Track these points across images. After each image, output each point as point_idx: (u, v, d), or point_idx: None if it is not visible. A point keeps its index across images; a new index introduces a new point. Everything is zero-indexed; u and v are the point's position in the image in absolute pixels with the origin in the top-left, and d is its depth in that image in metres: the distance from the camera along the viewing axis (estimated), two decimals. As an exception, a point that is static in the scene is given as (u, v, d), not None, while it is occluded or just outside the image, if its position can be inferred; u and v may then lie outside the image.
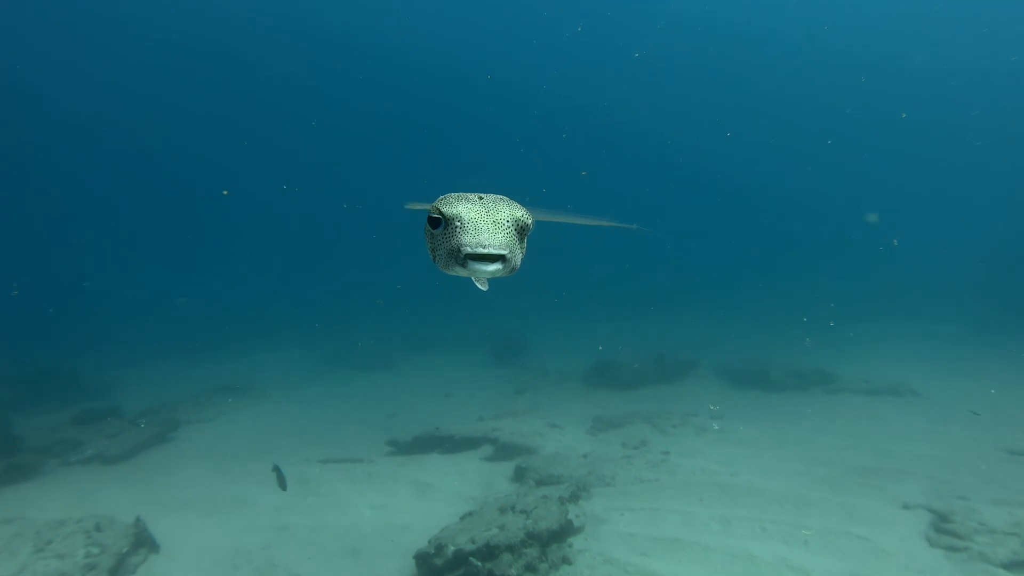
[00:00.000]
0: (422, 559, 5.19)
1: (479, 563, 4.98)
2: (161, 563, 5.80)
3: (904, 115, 39.76)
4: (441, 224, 1.86)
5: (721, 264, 37.89)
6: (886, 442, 8.29)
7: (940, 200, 42.62)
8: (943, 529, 5.53)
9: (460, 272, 1.83)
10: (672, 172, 48.06)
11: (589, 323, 22.30)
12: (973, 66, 37.31)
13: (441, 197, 1.97)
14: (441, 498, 7.27)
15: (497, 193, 2.04)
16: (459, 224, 1.84)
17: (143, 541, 5.90)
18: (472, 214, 1.84)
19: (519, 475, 7.71)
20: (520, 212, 1.88)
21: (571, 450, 8.55)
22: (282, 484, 6.22)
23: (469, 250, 1.75)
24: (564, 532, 5.71)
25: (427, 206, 2.06)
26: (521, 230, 1.88)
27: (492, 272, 1.76)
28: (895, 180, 44.06)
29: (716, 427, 9.46)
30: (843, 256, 36.11)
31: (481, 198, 1.91)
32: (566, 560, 5.40)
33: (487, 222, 1.83)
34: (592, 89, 41.16)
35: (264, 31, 33.04)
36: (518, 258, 1.84)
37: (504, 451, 8.65)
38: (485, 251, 1.73)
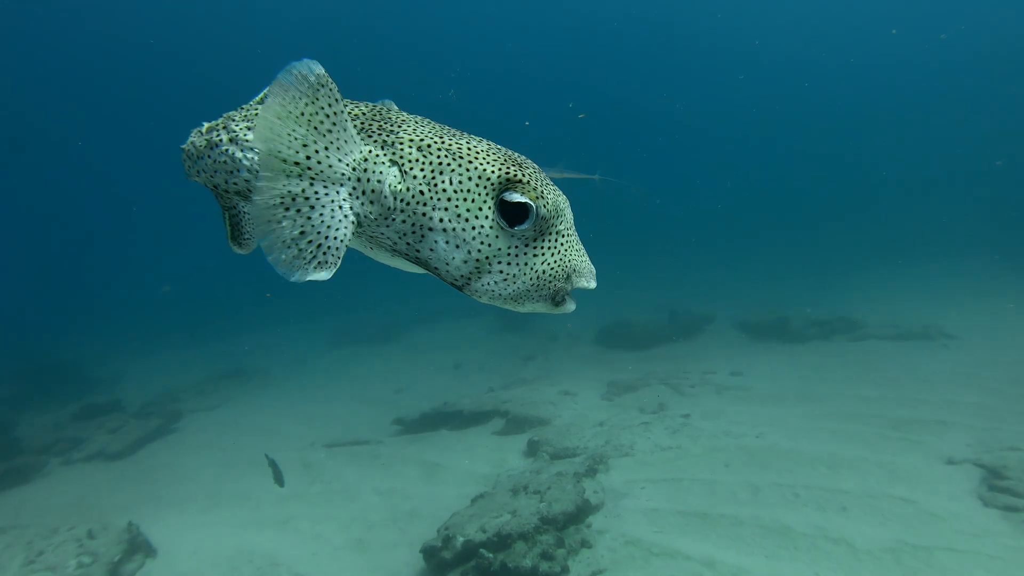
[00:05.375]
0: (430, 552, 4.81)
1: (490, 554, 4.60)
2: (158, 568, 5.49)
3: (943, 36, 37.22)
4: (531, 219, 1.12)
5: (731, 210, 36.84)
6: (921, 391, 7.78)
7: (963, 130, 40.73)
8: (997, 486, 5.06)
9: (530, 307, 1.19)
10: (679, 111, 46.08)
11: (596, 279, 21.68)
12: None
13: (511, 158, 1.16)
14: (450, 479, 6.90)
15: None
16: (565, 230, 1.17)
17: (138, 546, 5.59)
18: (570, 212, 1.20)
19: (532, 449, 7.32)
20: None
21: (585, 419, 8.13)
22: (278, 480, 5.86)
23: (589, 284, 1.18)
24: (582, 512, 5.32)
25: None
26: None
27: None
28: (914, 111, 42.28)
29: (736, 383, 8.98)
30: (860, 194, 34.96)
31: (538, 170, 1.21)
32: (585, 543, 5.01)
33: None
34: (584, 16, 38.36)
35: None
36: None
37: (515, 424, 8.25)
38: (595, 284, 1.21)
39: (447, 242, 1.11)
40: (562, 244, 1.15)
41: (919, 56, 39.84)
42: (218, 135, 1.29)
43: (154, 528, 6.12)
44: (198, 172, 1.36)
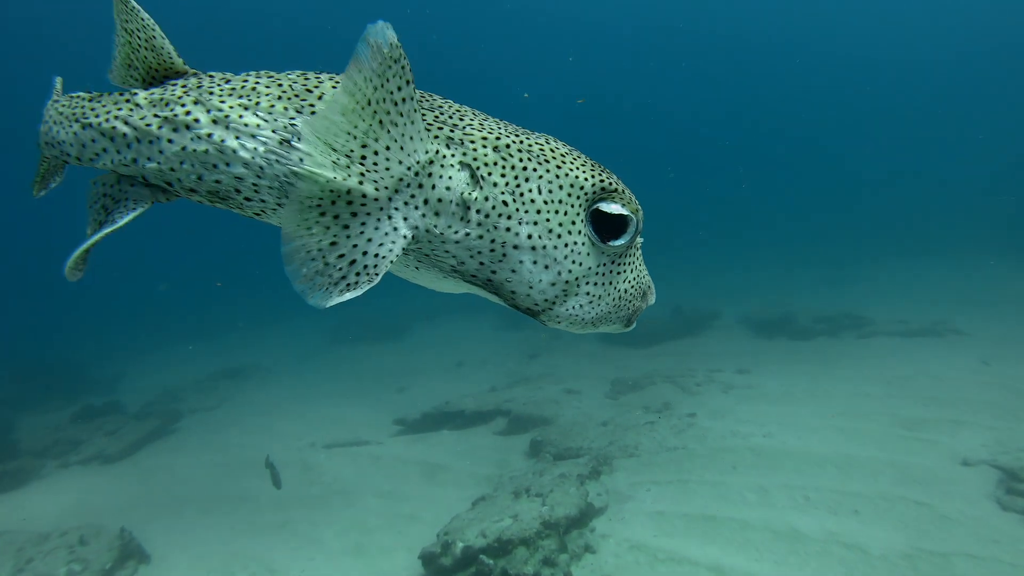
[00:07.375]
0: (428, 559, 4.67)
1: (491, 561, 4.45)
2: (151, 575, 5.37)
3: None
4: (629, 234, 1.01)
5: (737, 205, 36.50)
6: (933, 389, 7.59)
7: (976, 125, 40.14)
8: (1016, 490, 4.88)
9: (604, 328, 1.10)
10: (681, 98, 45.38)
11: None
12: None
13: (596, 163, 1.05)
14: (452, 480, 6.76)
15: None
16: (640, 243, 1.12)
17: (131, 553, 5.46)
18: None
19: (535, 449, 7.17)
20: None
21: (589, 418, 7.97)
22: (276, 482, 5.73)
23: (653, 299, 1.17)
24: (585, 516, 5.17)
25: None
26: None
27: None
28: (926, 105, 41.73)
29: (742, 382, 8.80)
30: (865, 190, 34.61)
31: None
32: (588, 548, 4.87)
33: None
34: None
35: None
36: None
37: (518, 423, 8.10)
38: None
39: (534, 262, 0.93)
40: (638, 259, 1.07)
41: (931, 50, 39.38)
42: (188, 113, 0.97)
43: (149, 533, 6.00)
44: (134, 160, 1.02)
